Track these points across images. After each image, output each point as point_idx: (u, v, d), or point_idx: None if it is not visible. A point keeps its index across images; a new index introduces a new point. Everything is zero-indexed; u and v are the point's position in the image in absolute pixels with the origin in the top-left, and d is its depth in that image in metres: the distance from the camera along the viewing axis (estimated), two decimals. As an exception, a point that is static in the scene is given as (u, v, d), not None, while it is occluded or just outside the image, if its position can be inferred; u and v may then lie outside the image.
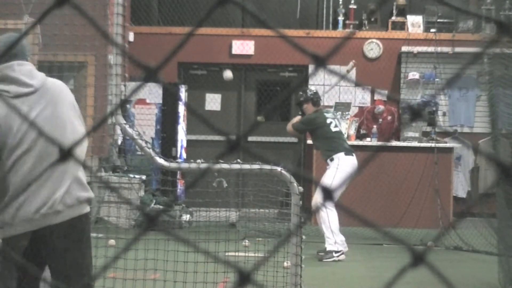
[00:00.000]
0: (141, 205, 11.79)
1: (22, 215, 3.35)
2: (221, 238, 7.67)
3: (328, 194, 1.07)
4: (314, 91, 10.24)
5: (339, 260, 9.48)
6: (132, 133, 4.65)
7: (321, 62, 1.07)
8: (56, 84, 3.64)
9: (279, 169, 4.50)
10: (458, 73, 9.70)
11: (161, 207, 11.82)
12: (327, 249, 9.55)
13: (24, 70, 3.48)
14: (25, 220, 3.36)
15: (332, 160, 9.65)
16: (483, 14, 13.52)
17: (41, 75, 3.56)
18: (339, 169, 9.49)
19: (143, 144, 4.62)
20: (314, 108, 9.94)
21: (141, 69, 1.08)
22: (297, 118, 10.14)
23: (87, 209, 3.67)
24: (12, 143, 3.31)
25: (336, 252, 9.51)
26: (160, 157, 4.73)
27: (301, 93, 10.18)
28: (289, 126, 10.19)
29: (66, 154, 1.09)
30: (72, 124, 3.55)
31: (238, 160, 4.85)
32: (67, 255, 3.53)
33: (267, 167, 4.49)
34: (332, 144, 9.72)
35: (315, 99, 10.00)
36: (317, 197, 9.60)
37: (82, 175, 3.69)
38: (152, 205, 11.78)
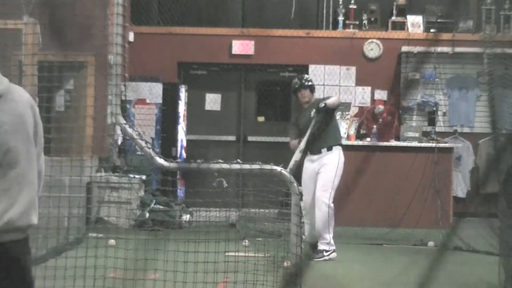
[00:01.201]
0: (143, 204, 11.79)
1: None
2: (221, 238, 7.67)
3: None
4: (310, 77, 10.07)
5: (329, 259, 9.42)
6: (132, 133, 4.65)
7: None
8: (23, 95, 3.42)
9: (279, 169, 4.50)
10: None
11: (161, 207, 11.82)
12: (319, 247, 9.46)
13: None
14: None
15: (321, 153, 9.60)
16: (483, 14, 13.54)
17: (6, 80, 3.37)
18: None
19: (143, 144, 4.62)
20: (312, 95, 9.75)
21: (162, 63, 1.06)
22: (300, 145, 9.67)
23: (27, 235, 3.43)
24: None
25: (327, 251, 9.45)
26: (160, 157, 4.73)
27: (296, 80, 9.94)
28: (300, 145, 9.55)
29: None
30: (28, 148, 3.33)
31: (238, 160, 4.85)
32: (20, 279, 3.36)
33: (267, 167, 4.49)
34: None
35: (313, 86, 9.83)
36: (323, 194, 9.38)
37: (37, 199, 3.44)
38: (152, 205, 11.78)
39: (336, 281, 8.54)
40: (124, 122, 4.84)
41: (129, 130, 4.70)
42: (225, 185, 9.21)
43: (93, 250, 6.52)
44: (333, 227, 9.48)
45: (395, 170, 12.17)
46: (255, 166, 4.52)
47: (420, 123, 13.79)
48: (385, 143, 12.83)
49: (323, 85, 13.69)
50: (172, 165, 4.75)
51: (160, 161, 4.64)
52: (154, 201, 11.86)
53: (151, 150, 4.68)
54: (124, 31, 5.23)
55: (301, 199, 4.68)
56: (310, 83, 9.78)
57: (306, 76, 10.17)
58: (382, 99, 13.91)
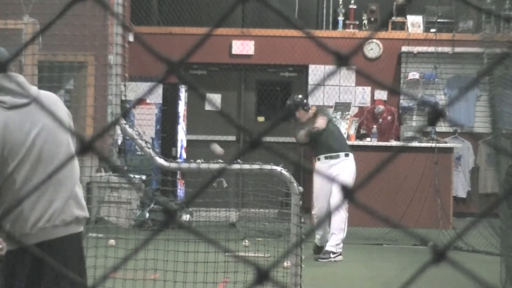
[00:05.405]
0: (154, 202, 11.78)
1: (18, 230, 3.27)
2: (221, 238, 7.67)
3: (348, 194, 1.07)
4: (301, 96, 10.01)
5: (335, 261, 9.44)
6: (132, 133, 4.64)
7: (344, 60, 1.06)
8: (50, 97, 3.58)
9: (279, 169, 4.48)
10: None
11: (161, 207, 11.82)
12: (326, 248, 9.50)
13: (18, 81, 3.43)
14: (21, 235, 3.28)
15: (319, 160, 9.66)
16: (483, 14, 13.53)
17: (34, 88, 3.52)
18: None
19: (143, 144, 4.61)
20: (306, 112, 9.72)
21: (163, 63, 1.06)
22: (302, 132, 9.76)
23: (81, 228, 3.55)
24: (6, 155, 3.25)
25: (334, 253, 9.48)
26: (160, 157, 4.71)
27: (288, 103, 9.98)
28: (302, 138, 9.75)
29: (86, 147, 1.07)
30: (66, 147, 3.45)
31: (238, 160, 4.84)
32: (65, 273, 3.44)
33: (267, 167, 4.47)
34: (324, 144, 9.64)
35: (305, 104, 9.81)
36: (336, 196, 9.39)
37: (81, 193, 3.56)
38: (152, 205, 11.78)
39: (336, 281, 8.55)
40: (124, 122, 4.83)
41: (129, 130, 4.69)
42: (225, 185, 9.21)
43: (93, 250, 6.52)
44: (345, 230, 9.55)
45: (395, 170, 12.17)
46: (255, 166, 4.50)
47: (420, 123, 13.79)
48: (385, 143, 12.85)
49: (323, 85, 13.69)
50: (172, 165, 4.73)
51: (160, 161, 4.63)
52: (154, 201, 11.85)
53: (151, 150, 4.66)
54: (124, 31, 5.23)
55: (301, 199, 4.67)
56: (300, 101, 9.75)
57: (299, 96, 10.08)
58: (382, 99, 13.91)
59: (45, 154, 3.34)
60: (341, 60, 1.06)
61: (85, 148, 1.06)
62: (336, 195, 9.34)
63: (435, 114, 1.07)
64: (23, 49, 7.75)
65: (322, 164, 9.56)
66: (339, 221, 9.42)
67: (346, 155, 9.62)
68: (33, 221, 3.27)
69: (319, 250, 9.75)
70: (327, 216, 9.57)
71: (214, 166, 4.43)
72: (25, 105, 3.35)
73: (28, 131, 3.32)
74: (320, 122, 9.53)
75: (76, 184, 3.51)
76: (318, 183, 9.55)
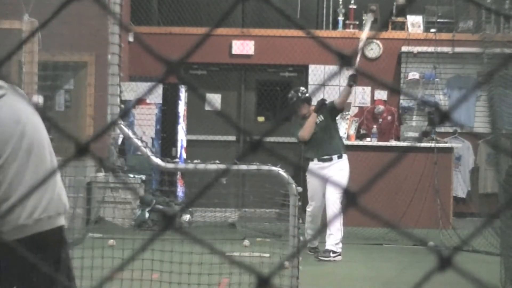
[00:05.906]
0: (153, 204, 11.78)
1: (11, 222, 3.25)
2: (221, 238, 7.66)
3: (351, 199, 1.06)
4: (305, 90, 10.08)
5: (334, 261, 9.44)
6: (128, 132, 4.60)
7: (347, 60, 1.05)
8: (19, 90, 3.57)
9: (277, 169, 4.45)
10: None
11: (161, 207, 11.81)
12: (326, 248, 9.49)
13: None
14: (15, 227, 3.26)
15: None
16: (483, 14, 13.53)
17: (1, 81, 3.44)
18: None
19: (139, 143, 4.57)
20: (309, 107, 9.76)
21: (162, 64, 1.05)
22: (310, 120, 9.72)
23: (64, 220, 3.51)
24: None
25: (334, 252, 9.47)
26: (156, 157, 4.65)
27: (290, 96, 9.93)
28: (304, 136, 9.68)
29: (82, 149, 1.06)
30: (49, 145, 3.43)
31: (236, 161, 4.82)
32: (58, 265, 3.41)
33: (265, 167, 4.44)
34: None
35: (310, 98, 9.85)
36: (338, 196, 9.35)
37: (62, 183, 3.53)
38: (152, 205, 11.77)
39: (336, 281, 8.54)
40: (122, 122, 4.81)
41: (125, 128, 4.65)
42: (224, 182, 9.21)
43: (93, 251, 6.52)
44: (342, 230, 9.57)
45: (395, 170, 12.15)
46: (253, 167, 4.45)
47: (420, 123, 13.79)
48: (385, 143, 12.84)
49: (323, 85, 13.68)
50: (169, 165, 4.69)
51: (156, 160, 4.57)
52: (154, 201, 11.85)
53: (147, 150, 4.61)
54: (121, 31, 5.21)
55: (299, 200, 4.64)
56: (307, 96, 9.83)
57: (302, 89, 10.15)
58: (382, 99, 13.90)
59: (35, 146, 3.30)
60: (344, 60, 1.05)
61: (81, 150, 1.06)
62: (330, 197, 9.38)
63: (440, 116, 1.06)
64: (22, 48, 7.75)
65: (315, 166, 9.58)
66: (335, 221, 9.40)
67: (339, 157, 9.61)
68: (28, 212, 3.24)
69: (314, 250, 9.74)
70: (323, 228, 9.58)
71: (212, 166, 4.39)
72: (3, 95, 3.29)
73: (17, 121, 3.27)
74: (306, 130, 9.54)
75: (59, 175, 3.50)
76: (312, 182, 9.54)
